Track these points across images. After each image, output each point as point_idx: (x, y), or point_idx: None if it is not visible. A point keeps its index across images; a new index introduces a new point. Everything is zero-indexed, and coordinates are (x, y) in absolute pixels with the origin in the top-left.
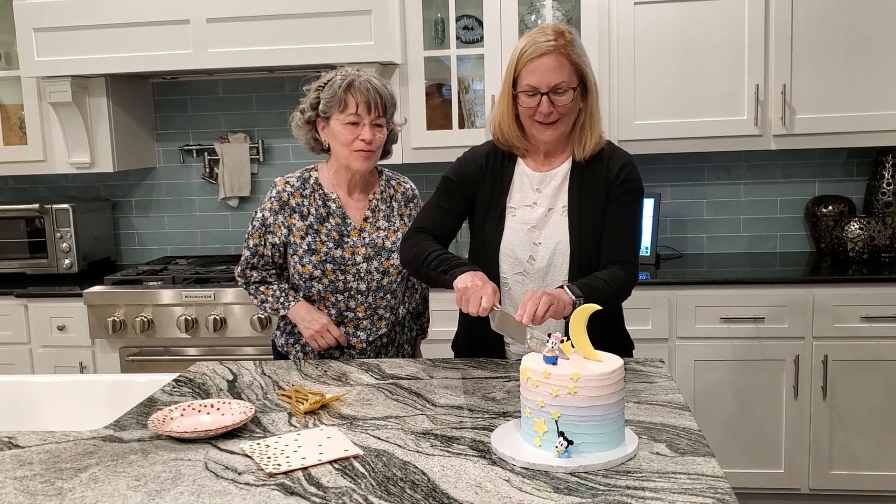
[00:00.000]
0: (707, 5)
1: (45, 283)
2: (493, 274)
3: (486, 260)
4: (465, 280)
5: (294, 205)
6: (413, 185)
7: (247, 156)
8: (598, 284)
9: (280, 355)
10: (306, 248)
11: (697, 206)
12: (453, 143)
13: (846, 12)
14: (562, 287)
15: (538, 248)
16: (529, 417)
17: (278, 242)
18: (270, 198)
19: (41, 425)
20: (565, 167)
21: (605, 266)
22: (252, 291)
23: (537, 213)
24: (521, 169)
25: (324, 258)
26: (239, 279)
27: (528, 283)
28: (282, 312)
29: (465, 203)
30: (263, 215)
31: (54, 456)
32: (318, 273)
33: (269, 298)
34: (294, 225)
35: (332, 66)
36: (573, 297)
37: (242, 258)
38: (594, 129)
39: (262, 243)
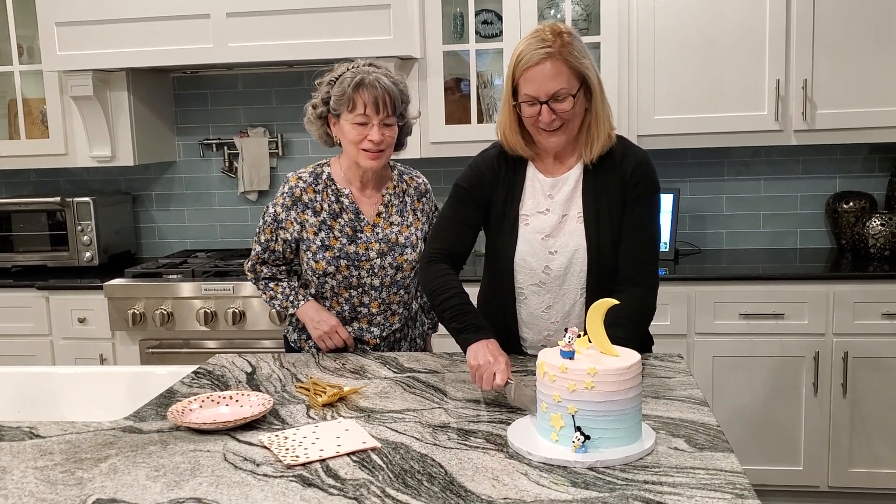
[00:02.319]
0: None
1: (67, 276)
2: (509, 285)
3: (501, 271)
4: (476, 356)
5: (307, 200)
6: (425, 180)
7: (266, 150)
8: (624, 331)
9: (293, 350)
10: (319, 244)
11: (717, 202)
12: (472, 137)
13: (868, 6)
14: None
15: (554, 258)
16: (546, 412)
17: (290, 238)
18: (283, 193)
19: (62, 416)
20: (577, 171)
21: (623, 279)
22: (261, 287)
23: (550, 220)
24: (532, 174)
25: (337, 254)
26: (248, 273)
27: (545, 292)
28: (290, 311)
29: (480, 212)
30: (275, 211)
31: (75, 446)
32: (331, 269)
33: (279, 296)
34: (307, 221)
35: (350, 61)
36: None
37: (253, 253)
38: (600, 129)
39: (274, 239)
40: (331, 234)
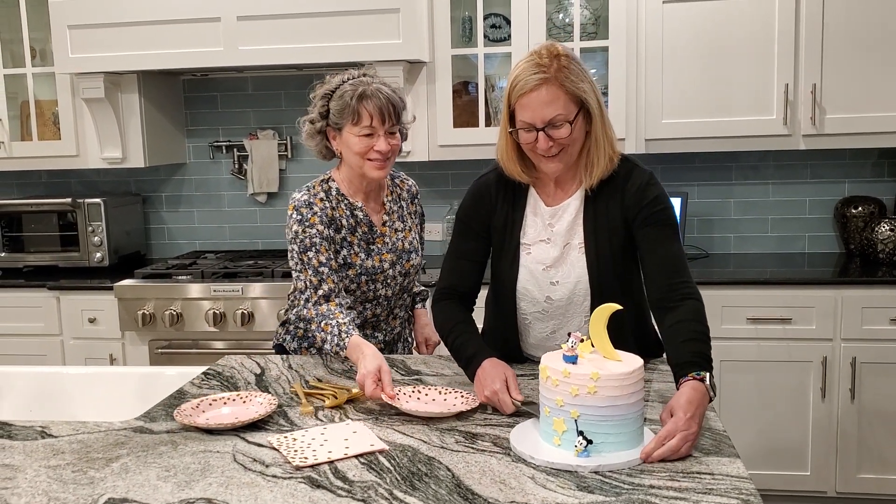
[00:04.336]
0: (736, 3)
1: (77, 276)
2: (512, 312)
3: (503, 299)
4: (481, 392)
5: (335, 218)
6: (414, 182)
7: (275, 152)
8: (707, 347)
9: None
10: (342, 262)
11: (725, 206)
12: (480, 140)
13: (877, 11)
14: (692, 378)
15: (556, 288)
16: (548, 416)
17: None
18: (314, 214)
19: (73, 416)
20: (577, 199)
21: (668, 296)
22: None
23: (552, 251)
24: (533, 201)
25: (359, 271)
26: (313, 317)
27: (548, 319)
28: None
29: (481, 243)
30: (318, 230)
31: (86, 446)
32: (353, 287)
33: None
34: (333, 239)
35: (360, 65)
36: (710, 392)
37: (308, 292)
38: (600, 153)
39: (332, 257)
40: (351, 251)
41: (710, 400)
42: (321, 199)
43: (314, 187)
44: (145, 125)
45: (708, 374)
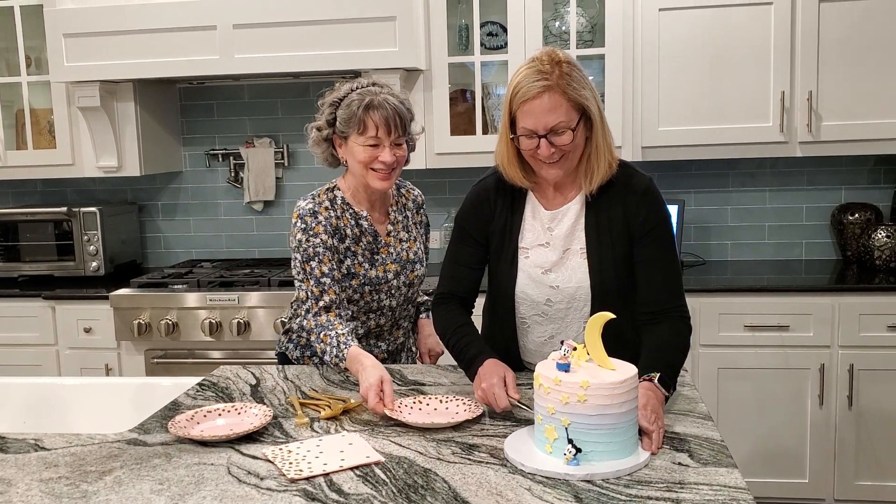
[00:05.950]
0: (733, 11)
1: (73, 286)
2: (510, 316)
3: (502, 303)
4: (478, 390)
5: (339, 227)
6: (420, 192)
7: (272, 160)
8: (674, 358)
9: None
10: (345, 272)
11: (722, 213)
12: (477, 148)
13: (873, 19)
14: (649, 380)
15: (556, 292)
16: (541, 424)
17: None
18: (318, 223)
19: (67, 427)
20: (577, 203)
21: (653, 314)
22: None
23: (551, 255)
24: (532, 205)
25: (363, 281)
26: (313, 328)
27: (548, 322)
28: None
29: (480, 249)
30: (322, 240)
31: (79, 459)
32: (356, 297)
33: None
34: (337, 248)
35: (357, 73)
36: (661, 389)
37: (309, 302)
38: (601, 160)
39: (336, 267)
40: (355, 261)
41: (667, 398)
42: (326, 208)
43: (319, 195)
44: (141, 133)
45: (658, 374)
